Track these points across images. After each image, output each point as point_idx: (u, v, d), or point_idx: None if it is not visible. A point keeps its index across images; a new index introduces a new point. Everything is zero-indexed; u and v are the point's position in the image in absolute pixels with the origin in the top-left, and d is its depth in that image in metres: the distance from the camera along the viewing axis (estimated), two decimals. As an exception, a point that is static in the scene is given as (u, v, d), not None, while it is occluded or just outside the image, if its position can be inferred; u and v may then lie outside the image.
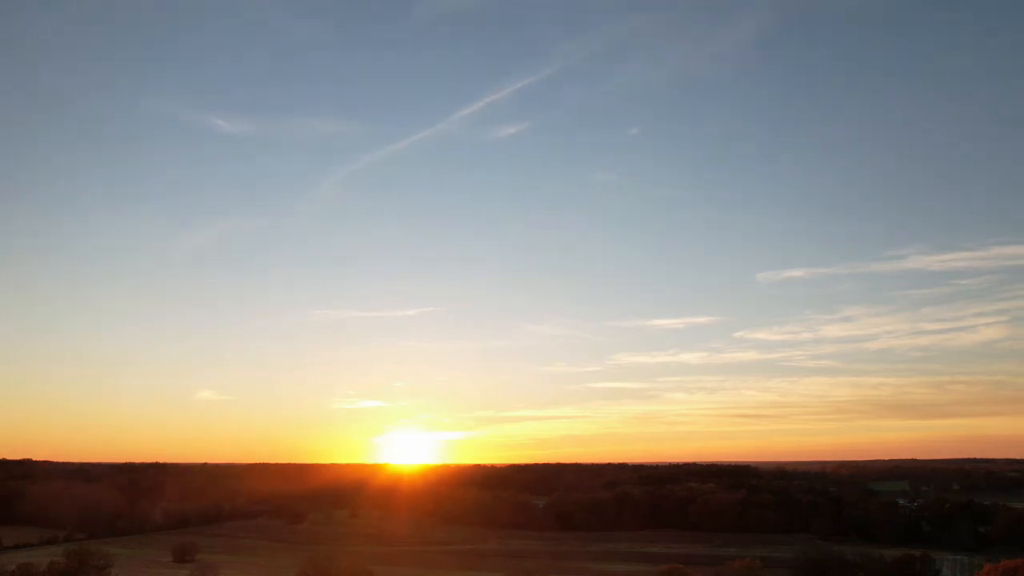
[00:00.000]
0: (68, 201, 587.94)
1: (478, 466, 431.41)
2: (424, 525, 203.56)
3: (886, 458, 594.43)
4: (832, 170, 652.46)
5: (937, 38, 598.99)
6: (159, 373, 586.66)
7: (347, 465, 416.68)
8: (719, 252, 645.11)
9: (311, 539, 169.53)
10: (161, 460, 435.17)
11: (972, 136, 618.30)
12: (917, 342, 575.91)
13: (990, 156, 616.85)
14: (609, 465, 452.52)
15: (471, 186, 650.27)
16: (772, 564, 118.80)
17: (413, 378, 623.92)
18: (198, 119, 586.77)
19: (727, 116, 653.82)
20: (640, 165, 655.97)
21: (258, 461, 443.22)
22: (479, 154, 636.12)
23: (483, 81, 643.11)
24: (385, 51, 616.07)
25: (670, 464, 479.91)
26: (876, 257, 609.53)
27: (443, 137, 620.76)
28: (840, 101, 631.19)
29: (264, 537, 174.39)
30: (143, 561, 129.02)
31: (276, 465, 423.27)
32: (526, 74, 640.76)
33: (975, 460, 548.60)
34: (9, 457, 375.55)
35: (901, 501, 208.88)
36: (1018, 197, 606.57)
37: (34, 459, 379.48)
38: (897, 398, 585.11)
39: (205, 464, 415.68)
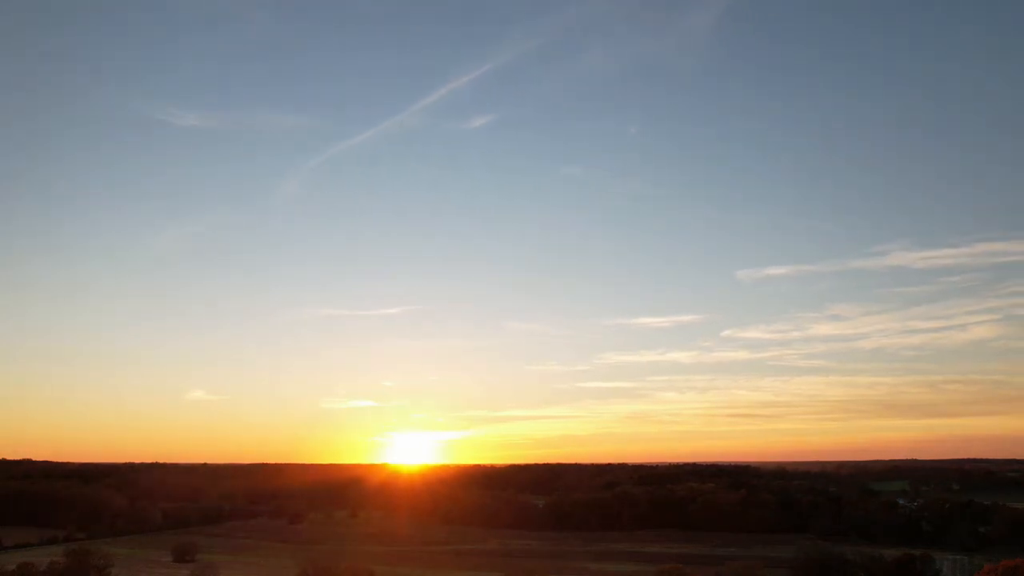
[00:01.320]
0: (51, 201, 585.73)
1: (478, 466, 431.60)
2: (424, 525, 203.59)
3: (883, 458, 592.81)
4: (808, 165, 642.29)
5: (913, 30, 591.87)
6: (150, 373, 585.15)
7: (342, 465, 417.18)
8: (697, 249, 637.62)
9: (311, 539, 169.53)
10: (151, 460, 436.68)
11: (953, 132, 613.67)
12: (909, 341, 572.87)
13: (972, 153, 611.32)
14: (609, 465, 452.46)
15: (442, 180, 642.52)
16: (772, 564, 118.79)
17: (402, 377, 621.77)
18: (159, 114, 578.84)
19: (696, 107, 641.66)
20: (609, 159, 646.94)
21: (249, 461, 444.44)
22: (448, 147, 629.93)
23: (442, 69, 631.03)
24: (340, 41, 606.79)
25: (669, 464, 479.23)
26: (858, 254, 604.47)
27: (407, 129, 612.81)
28: (811, 92, 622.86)
29: (264, 537, 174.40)
30: (143, 561, 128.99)
31: (274, 465, 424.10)
32: (482, 61, 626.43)
33: (975, 460, 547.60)
34: (9, 457, 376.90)
35: (901, 501, 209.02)
36: (1001, 193, 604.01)
37: (34, 459, 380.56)
38: (892, 398, 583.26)
39: (205, 464, 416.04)
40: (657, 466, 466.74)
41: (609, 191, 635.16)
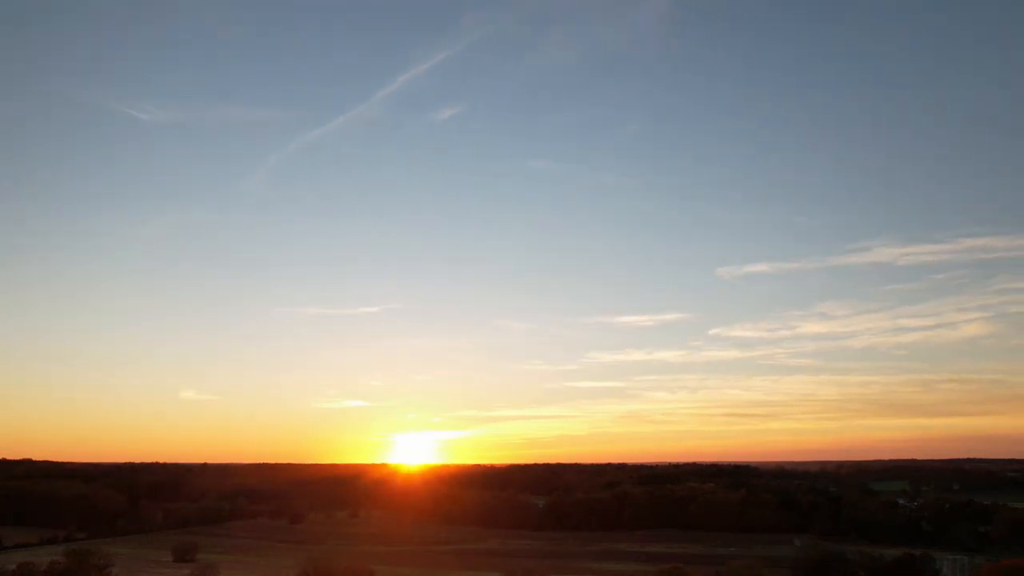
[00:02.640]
0: (24, 199, 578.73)
1: (477, 466, 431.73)
2: (424, 525, 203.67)
3: (879, 458, 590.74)
4: (785, 160, 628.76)
5: (889, 22, 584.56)
6: (140, 373, 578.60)
7: (338, 465, 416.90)
8: (675, 246, 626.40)
9: (311, 539, 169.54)
10: (146, 460, 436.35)
11: (934, 127, 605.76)
12: (900, 340, 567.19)
13: (952, 148, 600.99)
14: (608, 465, 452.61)
15: (413, 173, 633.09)
16: (772, 564, 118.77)
17: (389, 377, 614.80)
18: (119, 108, 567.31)
19: (666, 99, 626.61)
20: (577, 152, 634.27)
21: (241, 461, 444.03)
22: (414, 139, 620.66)
23: (401, 56, 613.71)
24: (293, 31, 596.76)
25: (665, 464, 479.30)
26: (840, 250, 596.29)
27: (370, 121, 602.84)
28: (781, 84, 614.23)
29: (264, 537, 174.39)
30: (143, 561, 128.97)
31: (273, 465, 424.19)
32: (437, 49, 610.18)
33: (974, 460, 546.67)
34: (9, 457, 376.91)
35: (901, 501, 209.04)
36: (983, 189, 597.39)
37: (34, 459, 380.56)
38: (886, 397, 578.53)
39: (206, 464, 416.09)
40: (656, 466, 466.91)
41: (580, 185, 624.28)
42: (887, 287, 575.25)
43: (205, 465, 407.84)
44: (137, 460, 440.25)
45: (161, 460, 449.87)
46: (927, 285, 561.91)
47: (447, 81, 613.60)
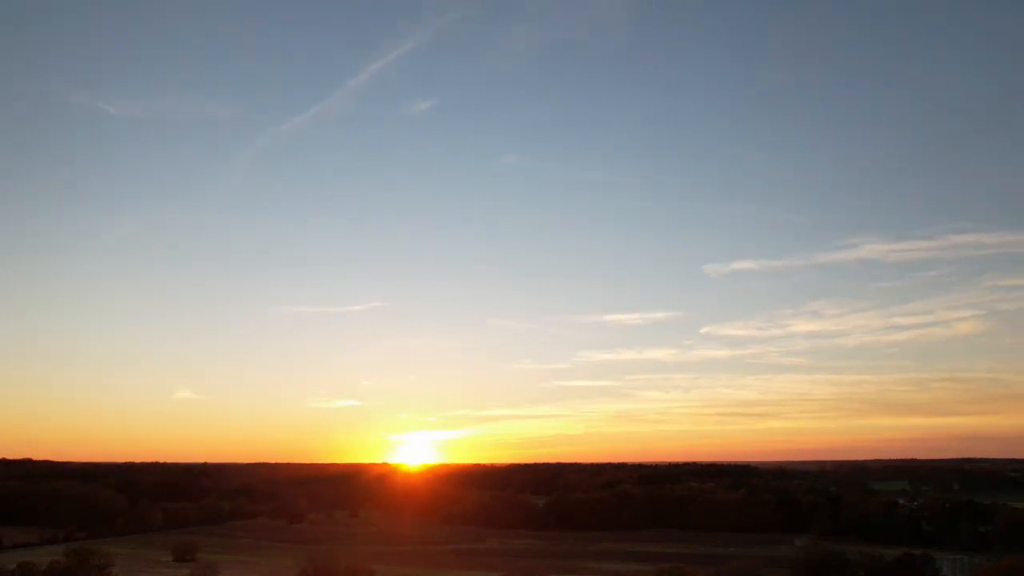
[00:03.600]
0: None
1: (477, 466, 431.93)
2: (424, 524, 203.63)
3: (876, 457, 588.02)
4: (770, 155, 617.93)
5: (873, 18, 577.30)
6: (131, 372, 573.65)
7: (334, 465, 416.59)
8: (660, 242, 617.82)
9: (311, 538, 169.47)
10: (141, 460, 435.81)
11: (918, 124, 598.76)
12: (893, 338, 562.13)
13: (937, 145, 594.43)
14: (608, 464, 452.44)
15: (385, 166, 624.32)
16: (772, 564, 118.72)
17: (380, 377, 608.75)
18: (86, 103, 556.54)
19: (637, 92, 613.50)
20: (549, 146, 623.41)
21: (234, 461, 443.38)
22: (389, 133, 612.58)
23: (367, 47, 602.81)
24: (256, 24, 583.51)
25: (660, 464, 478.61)
26: (827, 247, 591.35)
27: (342, 114, 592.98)
28: (762, 78, 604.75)
29: (264, 537, 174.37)
30: (143, 560, 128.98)
31: (272, 464, 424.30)
32: (403, 39, 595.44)
33: (974, 460, 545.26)
34: (9, 457, 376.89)
35: (901, 501, 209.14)
36: (971, 186, 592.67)
37: (34, 459, 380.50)
38: (881, 396, 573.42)
39: (205, 464, 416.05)
40: (655, 465, 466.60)
41: (558, 181, 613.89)
42: (877, 285, 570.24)
43: (205, 465, 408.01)
44: (134, 460, 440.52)
45: (157, 460, 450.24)
46: (917, 283, 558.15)
47: (419, 71, 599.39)
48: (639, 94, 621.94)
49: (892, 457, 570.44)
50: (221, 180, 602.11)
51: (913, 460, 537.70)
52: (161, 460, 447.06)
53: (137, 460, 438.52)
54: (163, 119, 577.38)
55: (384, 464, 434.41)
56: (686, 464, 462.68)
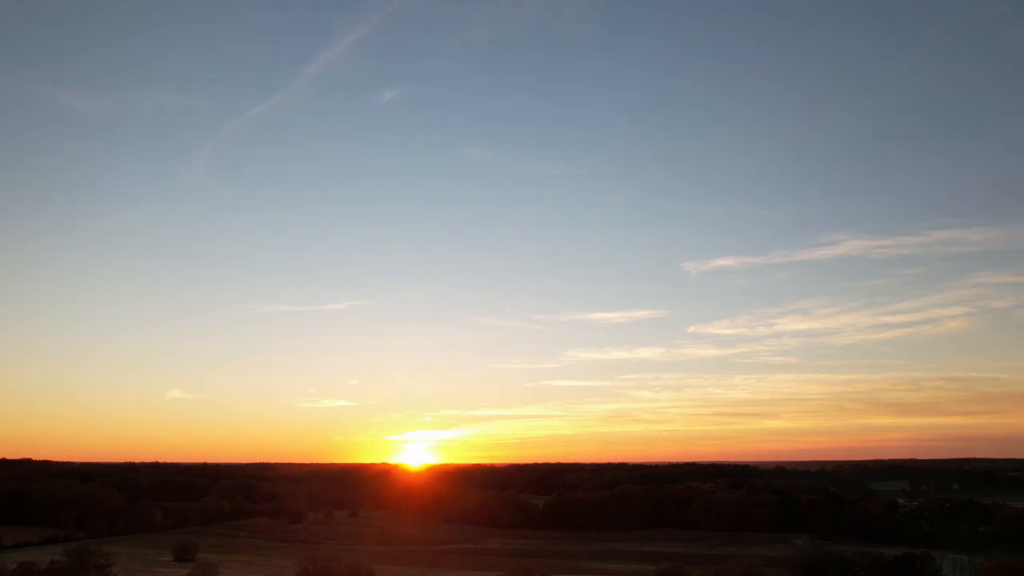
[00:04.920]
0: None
1: (477, 465, 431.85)
2: (424, 524, 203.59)
3: (871, 458, 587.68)
4: (746, 149, 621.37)
5: (852, 14, 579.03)
6: (122, 371, 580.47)
7: (331, 465, 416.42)
8: (637, 239, 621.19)
9: (311, 539, 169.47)
10: (136, 460, 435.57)
11: (898, 120, 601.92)
12: (884, 336, 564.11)
13: (916, 141, 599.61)
14: (608, 464, 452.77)
15: (350, 157, 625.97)
16: (772, 564, 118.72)
17: (367, 376, 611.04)
18: (43, 95, 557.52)
19: (602, 83, 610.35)
20: (514, 140, 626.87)
21: (228, 461, 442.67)
22: (352, 124, 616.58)
23: (324, 33, 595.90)
24: (213, 13, 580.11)
25: (660, 464, 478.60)
26: (807, 243, 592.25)
27: (301, 104, 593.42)
28: (734, 71, 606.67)
29: (264, 537, 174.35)
30: (143, 560, 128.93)
31: (270, 464, 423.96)
32: (356, 24, 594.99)
33: (974, 460, 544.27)
34: (9, 457, 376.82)
35: (901, 500, 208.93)
36: (948, 181, 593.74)
37: (34, 459, 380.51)
38: (875, 396, 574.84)
39: (206, 463, 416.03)
40: (654, 465, 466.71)
41: (521, 175, 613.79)
42: (863, 282, 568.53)
43: (204, 465, 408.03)
44: (129, 460, 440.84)
45: (152, 459, 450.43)
46: (904, 280, 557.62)
47: (384, 57, 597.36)
48: (607, 86, 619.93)
49: (887, 457, 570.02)
50: (184, 175, 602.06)
51: (913, 460, 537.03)
52: (154, 459, 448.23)
53: (130, 460, 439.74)
54: (124, 113, 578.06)
55: (383, 464, 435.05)
56: (685, 464, 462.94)
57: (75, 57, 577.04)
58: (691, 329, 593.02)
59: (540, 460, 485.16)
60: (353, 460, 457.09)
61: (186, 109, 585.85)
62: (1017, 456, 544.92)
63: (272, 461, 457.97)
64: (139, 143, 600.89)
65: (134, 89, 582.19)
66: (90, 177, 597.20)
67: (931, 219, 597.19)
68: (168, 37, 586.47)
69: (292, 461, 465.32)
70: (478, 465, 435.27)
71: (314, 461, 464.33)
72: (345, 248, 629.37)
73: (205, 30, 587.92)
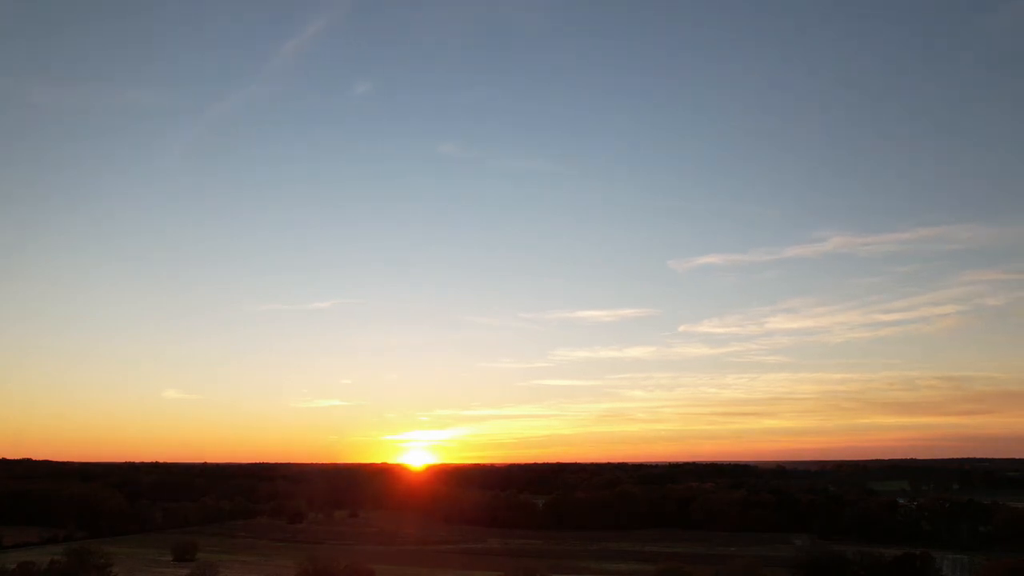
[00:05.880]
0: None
1: (476, 465, 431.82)
2: (424, 524, 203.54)
3: (868, 457, 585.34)
4: (730, 145, 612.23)
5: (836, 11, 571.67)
6: (116, 371, 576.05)
7: (329, 465, 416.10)
8: (619, 236, 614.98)
9: (311, 538, 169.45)
10: (126, 460, 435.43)
11: (882, 116, 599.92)
12: (878, 334, 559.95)
13: (904, 138, 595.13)
14: (608, 464, 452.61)
15: (321, 148, 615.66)
16: (772, 563, 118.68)
17: (359, 376, 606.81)
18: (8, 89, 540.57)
19: (573, 74, 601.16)
20: (485, 134, 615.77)
21: (224, 461, 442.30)
22: (323, 115, 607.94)
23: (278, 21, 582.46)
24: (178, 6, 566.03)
25: (655, 463, 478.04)
26: (793, 240, 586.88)
27: (268, 99, 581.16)
28: (709, 65, 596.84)
29: (264, 537, 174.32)
30: (143, 560, 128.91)
31: (269, 464, 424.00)
32: (314, 13, 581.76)
33: (973, 460, 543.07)
34: (9, 457, 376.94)
35: (901, 500, 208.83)
36: (938, 178, 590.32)
37: (34, 459, 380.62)
38: (870, 395, 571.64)
39: (206, 463, 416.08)
40: (655, 465, 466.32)
41: (500, 171, 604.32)
42: (853, 280, 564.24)
43: (205, 465, 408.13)
44: (125, 459, 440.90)
45: (148, 459, 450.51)
46: (895, 278, 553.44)
47: (354, 49, 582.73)
48: (594, 83, 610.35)
49: (884, 456, 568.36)
50: (154, 171, 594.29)
51: (913, 460, 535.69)
52: (151, 459, 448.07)
53: (128, 460, 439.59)
54: (87, 108, 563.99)
55: (383, 464, 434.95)
56: (685, 464, 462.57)
57: (40, 51, 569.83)
58: (681, 328, 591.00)
59: (536, 460, 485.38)
60: (350, 460, 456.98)
61: (157, 104, 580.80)
62: (1016, 456, 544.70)
63: (268, 461, 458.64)
64: (106, 140, 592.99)
65: (96, 84, 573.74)
66: (52, 172, 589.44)
67: (917, 216, 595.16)
68: (117, 31, 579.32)
69: (288, 461, 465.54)
70: (477, 465, 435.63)
71: (311, 461, 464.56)
72: (323, 246, 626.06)
73: (178, 25, 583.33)
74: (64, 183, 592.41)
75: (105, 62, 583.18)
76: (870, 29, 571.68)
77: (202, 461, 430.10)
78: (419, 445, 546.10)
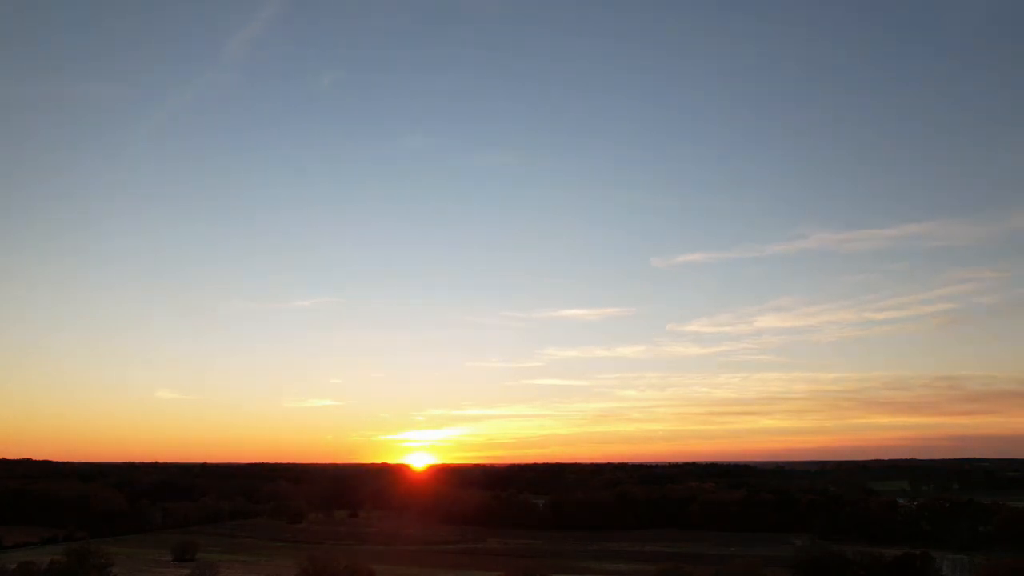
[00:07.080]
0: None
1: (476, 465, 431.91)
2: (424, 524, 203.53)
3: (866, 457, 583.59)
4: (709, 142, 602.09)
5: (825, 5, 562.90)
6: (122, 374, 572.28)
7: (328, 465, 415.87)
8: (598, 232, 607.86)
9: (311, 538, 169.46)
10: (127, 460, 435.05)
11: (862, 111, 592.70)
12: (870, 332, 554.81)
13: (888, 135, 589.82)
14: (607, 464, 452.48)
15: (297, 143, 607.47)
16: (772, 563, 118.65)
17: (349, 375, 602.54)
18: None
19: (543, 62, 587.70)
20: (469, 132, 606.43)
21: (220, 461, 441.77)
22: (292, 107, 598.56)
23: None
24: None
25: (653, 464, 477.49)
26: (775, 238, 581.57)
27: (231, 86, 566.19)
28: (690, 59, 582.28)
29: (264, 537, 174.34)
30: (143, 560, 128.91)
31: (269, 465, 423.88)
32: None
33: (973, 460, 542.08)
34: (9, 457, 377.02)
35: (901, 500, 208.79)
36: (930, 175, 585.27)
37: (34, 459, 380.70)
38: (864, 394, 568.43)
39: (205, 464, 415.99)
40: (654, 465, 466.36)
41: (476, 169, 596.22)
42: (841, 278, 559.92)
43: (204, 465, 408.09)
44: (123, 460, 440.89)
45: (146, 459, 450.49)
46: (884, 276, 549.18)
47: (316, 36, 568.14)
48: (576, 79, 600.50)
49: (881, 456, 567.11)
50: (112, 165, 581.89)
51: (913, 460, 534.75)
52: (148, 459, 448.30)
53: (126, 459, 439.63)
54: (44, 102, 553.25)
55: (382, 464, 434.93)
56: (684, 464, 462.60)
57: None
58: (668, 327, 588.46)
59: (534, 460, 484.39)
60: (346, 460, 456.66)
61: (115, 97, 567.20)
62: (1015, 456, 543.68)
63: (263, 461, 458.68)
64: (66, 134, 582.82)
65: (57, 76, 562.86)
66: (19, 168, 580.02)
67: (899, 213, 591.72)
68: (63, 20, 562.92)
69: (284, 461, 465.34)
70: (477, 465, 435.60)
71: (307, 461, 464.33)
72: (301, 243, 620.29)
73: (132, 16, 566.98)
74: (38, 180, 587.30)
75: (58, 54, 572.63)
76: (852, 24, 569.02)
77: (198, 461, 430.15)
78: (414, 445, 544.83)
